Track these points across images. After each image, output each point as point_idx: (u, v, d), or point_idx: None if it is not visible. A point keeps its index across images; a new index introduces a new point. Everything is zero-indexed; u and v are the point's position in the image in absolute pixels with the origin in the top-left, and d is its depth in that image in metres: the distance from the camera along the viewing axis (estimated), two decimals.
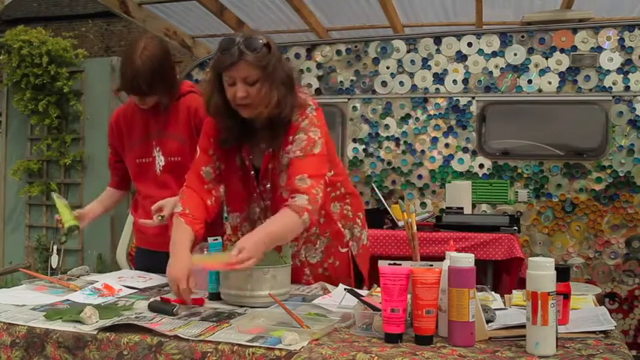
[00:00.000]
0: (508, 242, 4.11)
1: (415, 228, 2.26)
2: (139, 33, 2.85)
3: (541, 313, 1.69)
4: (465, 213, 4.49)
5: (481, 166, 4.97)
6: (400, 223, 4.27)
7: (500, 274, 4.35)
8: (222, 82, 2.43)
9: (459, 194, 4.63)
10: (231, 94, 2.41)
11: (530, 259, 1.75)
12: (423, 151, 5.09)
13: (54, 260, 7.38)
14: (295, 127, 2.51)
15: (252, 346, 1.72)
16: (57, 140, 7.50)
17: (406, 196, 5.10)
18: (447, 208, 4.56)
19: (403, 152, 5.13)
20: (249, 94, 2.39)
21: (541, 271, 1.71)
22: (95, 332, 1.89)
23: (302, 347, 1.71)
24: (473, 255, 1.81)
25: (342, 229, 2.72)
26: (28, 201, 7.74)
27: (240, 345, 1.74)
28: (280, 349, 1.70)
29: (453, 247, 1.99)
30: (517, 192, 4.89)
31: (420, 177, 5.10)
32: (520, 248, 4.19)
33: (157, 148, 2.97)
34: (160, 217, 2.81)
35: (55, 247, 7.45)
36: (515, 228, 4.25)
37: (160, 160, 2.97)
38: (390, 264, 1.84)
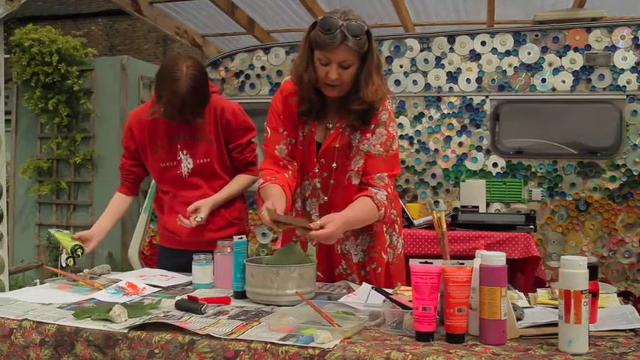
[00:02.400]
0: (524, 241, 4.10)
1: (445, 227, 2.26)
2: (174, 56, 2.89)
3: (574, 311, 1.70)
4: (479, 212, 4.49)
5: (495, 164, 4.96)
6: (416, 222, 4.27)
7: (515, 273, 4.35)
8: (314, 56, 2.44)
9: (474, 193, 4.63)
10: (322, 73, 2.43)
11: (562, 257, 1.75)
12: (436, 150, 5.09)
13: (64, 259, 7.38)
14: (376, 117, 2.55)
15: (285, 345, 1.73)
16: (67, 139, 7.52)
17: (419, 194, 5.09)
18: (463, 206, 4.56)
19: (417, 151, 5.12)
20: (341, 77, 2.42)
21: (574, 270, 1.72)
22: (126, 331, 1.89)
23: (335, 345, 1.71)
24: (504, 253, 1.82)
25: (385, 234, 2.70)
26: (37, 199, 7.75)
27: (273, 343, 1.74)
28: (314, 348, 1.70)
29: (483, 246, 2.00)
30: (531, 191, 4.88)
31: (433, 176, 5.09)
32: (536, 247, 4.19)
33: (184, 152, 2.96)
34: (198, 219, 2.82)
35: None
36: (532, 227, 4.24)
37: (188, 164, 2.96)
38: (421, 262, 1.84)
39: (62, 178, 7.60)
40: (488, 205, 4.85)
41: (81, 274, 2.73)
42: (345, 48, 2.36)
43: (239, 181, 3.04)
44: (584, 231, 4.79)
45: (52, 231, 2.94)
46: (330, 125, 2.58)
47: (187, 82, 2.73)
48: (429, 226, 4.24)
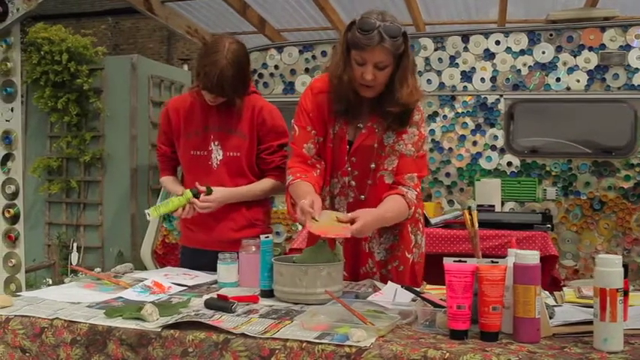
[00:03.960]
0: (542, 240, 4.10)
1: (477, 225, 2.26)
2: (218, 35, 2.94)
3: (610, 309, 1.70)
4: (496, 211, 4.50)
5: (509, 164, 4.97)
6: (432, 221, 4.27)
7: None
8: (351, 57, 2.45)
9: (489, 192, 4.64)
10: (358, 73, 2.44)
11: (598, 256, 1.75)
12: (450, 149, 5.09)
13: (74, 257, 7.39)
14: (410, 117, 2.57)
15: (321, 343, 1.73)
16: (77, 138, 7.49)
17: (434, 193, 5.09)
18: (479, 205, 4.56)
19: (431, 150, 5.12)
20: (376, 78, 2.43)
21: (610, 268, 1.72)
22: (159, 329, 1.89)
23: (371, 344, 1.71)
24: (538, 252, 1.82)
25: (410, 234, 2.70)
26: (47, 198, 7.74)
27: (308, 342, 1.74)
28: (350, 346, 1.70)
29: (515, 245, 2.00)
30: (545, 190, 4.88)
31: (447, 175, 5.10)
32: (553, 246, 4.19)
33: (216, 142, 2.96)
34: (206, 187, 2.82)
35: (74, 245, 7.47)
36: (549, 225, 4.25)
37: (218, 154, 2.96)
38: (455, 261, 1.84)
39: (72, 177, 7.57)
40: (502, 204, 4.85)
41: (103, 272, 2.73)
42: (382, 49, 2.37)
43: (263, 184, 3.01)
44: (598, 230, 4.79)
45: (189, 191, 2.91)
46: (361, 125, 2.58)
47: (228, 54, 2.77)
48: (446, 225, 4.24)
